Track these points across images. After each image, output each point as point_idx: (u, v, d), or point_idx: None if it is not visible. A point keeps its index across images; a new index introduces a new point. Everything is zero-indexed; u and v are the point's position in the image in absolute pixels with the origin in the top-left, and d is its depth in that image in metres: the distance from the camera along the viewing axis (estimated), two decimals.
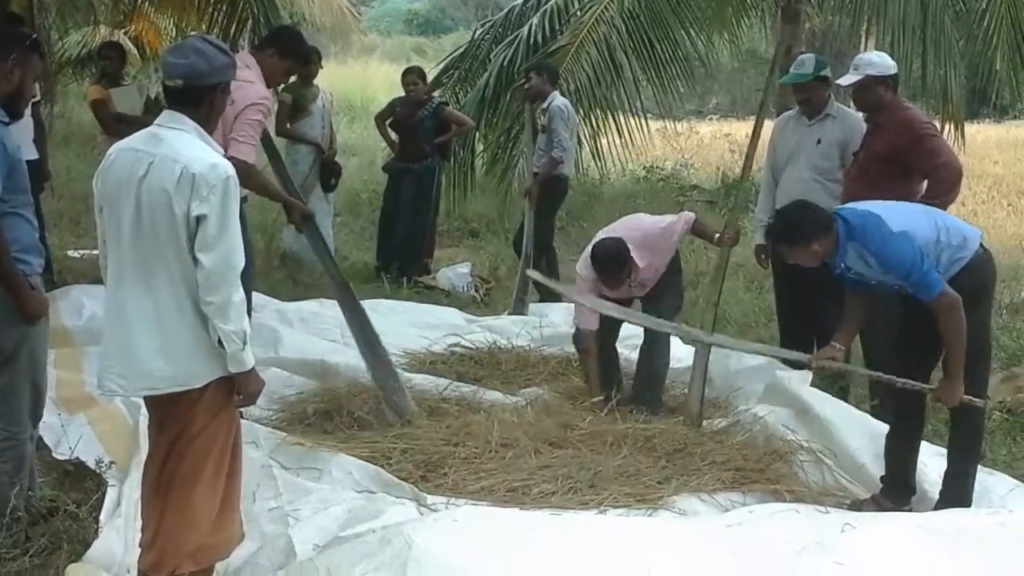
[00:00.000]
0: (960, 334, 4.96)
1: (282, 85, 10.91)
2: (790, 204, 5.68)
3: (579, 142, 12.55)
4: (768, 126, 7.43)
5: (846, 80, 6.64)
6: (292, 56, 6.42)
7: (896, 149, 6.39)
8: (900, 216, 5.08)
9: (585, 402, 6.57)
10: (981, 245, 5.23)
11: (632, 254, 6.47)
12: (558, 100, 9.93)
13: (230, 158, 5.60)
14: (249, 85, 5.93)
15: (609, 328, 6.83)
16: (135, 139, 4.05)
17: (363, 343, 6.51)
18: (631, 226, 6.76)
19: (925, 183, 6.43)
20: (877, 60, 6.60)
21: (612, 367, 6.95)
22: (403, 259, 10.51)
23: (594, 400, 6.59)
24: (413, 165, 10.73)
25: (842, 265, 5.16)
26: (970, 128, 15.11)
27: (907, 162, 6.38)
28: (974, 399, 5.12)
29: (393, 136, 11.05)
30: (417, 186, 10.72)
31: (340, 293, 6.71)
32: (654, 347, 6.80)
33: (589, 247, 6.67)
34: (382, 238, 10.94)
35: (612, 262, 6.48)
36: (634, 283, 6.66)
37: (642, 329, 6.90)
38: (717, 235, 6.77)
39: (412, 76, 10.79)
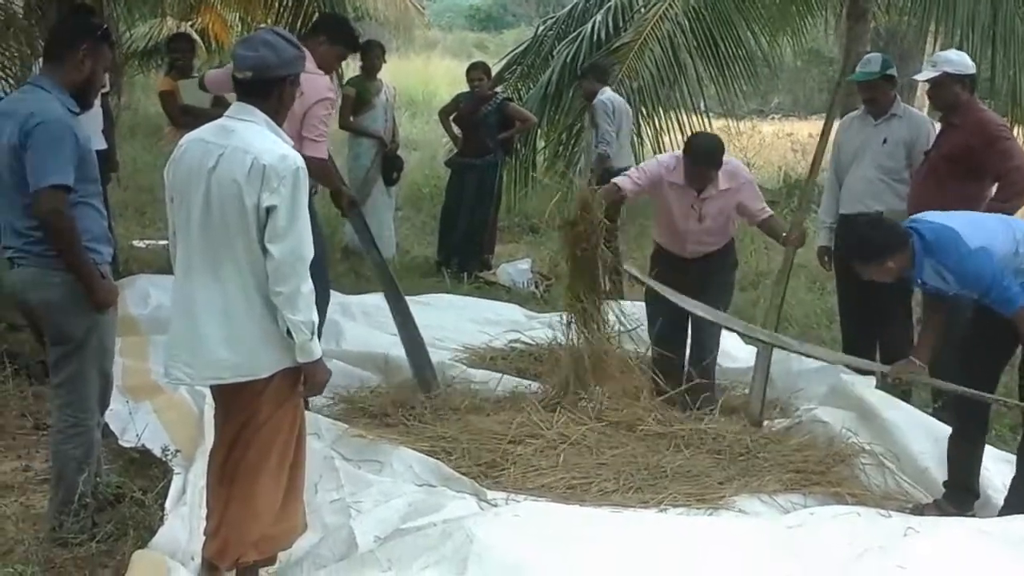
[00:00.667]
0: None
1: (346, 78, 11.04)
2: (864, 219, 5.63)
3: (639, 138, 12.56)
4: (821, 126, 7.37)
5: (923, 76, 6.59)
6: (342, 41, 6.42)
7: (969, 150, 6.33)
8: (977, 230, 4.99)
9: (643, 401, 6.50)
10: None
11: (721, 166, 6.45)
12: (603, 95, 10.04)
13: (307, 158, 5.68)
14: (316, 78, 5.96)
15: (676, 321, 6.74)
16: (206, 130, 4.09)
17: (397, 315, 6.69)
18: (730, 158, 6.73)
19: (995, 186, 6.35)
20: (956, 59, 6.54)
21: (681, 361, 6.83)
22: (464, 254, 10.54)
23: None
24: (476, 160, 10.76)
25: (919, 281, 5.10)
26: None
27: (979, 163, 6.32)
28: None
29: (456, 131, 11.07)
30: (479, 181, 10.75)
31: (380, 278, 6.91)
32: (704, 341, 6.72)
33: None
34: (443, 233, 10.98)
35: (709, 149, 6.43)
36: (698, 205, 6.51)
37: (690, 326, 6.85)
38: (784, 235, 6.71)
39: (477, 72, 10.82)
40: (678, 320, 6.64)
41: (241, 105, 4.06)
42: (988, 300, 4.93)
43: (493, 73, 13.40)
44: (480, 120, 10.71)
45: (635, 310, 7.12)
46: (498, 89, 11.14)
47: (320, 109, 6.01)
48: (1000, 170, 6.32)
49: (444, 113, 11.30)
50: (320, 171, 6.06)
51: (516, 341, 7.83)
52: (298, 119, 5.90)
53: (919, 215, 5.29)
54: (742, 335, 6.71)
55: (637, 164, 11.69)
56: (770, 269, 10.36)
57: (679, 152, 6.62)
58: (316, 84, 5.95)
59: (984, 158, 6.33)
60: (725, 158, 6.59)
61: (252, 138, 3.95)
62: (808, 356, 6.65)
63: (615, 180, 6.69)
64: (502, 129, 10.85)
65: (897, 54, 14.84)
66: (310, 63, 6.08)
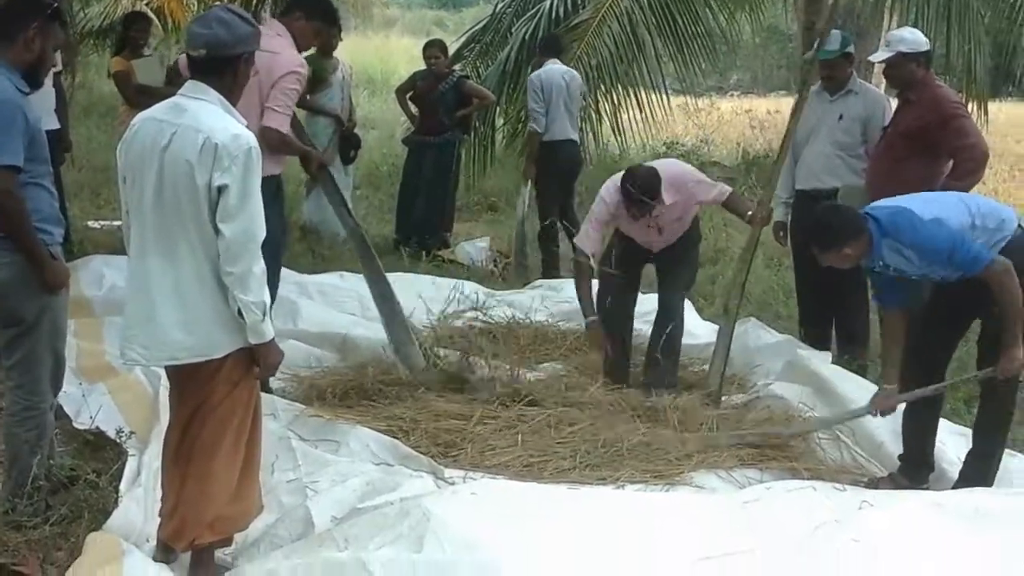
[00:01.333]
0: (1017, 298, 4.86)
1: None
2: (821, 208, 5.64)
3: (597, 114, 12.58)
4: (786, 102, 7.37)
5: (877, 56, 6.61)
6: (319, 17, 6.34)
7: (924, 127, 6.37)
8: (930, 205, 5.03)
9: (598, 379, 6.54)
10: (1020, 225, 5.14)
11: (662, 188, 6.38)
12: (539, 70, 10.16)
13: (264, 127, 5.58)
14: (281, 54, 5.90)
15: (624, 301, 6.81)
16: (158, 109, 4.05)
17: (378, 296, 6.59)
18: (667, 165, 6.73)
19: (950, 163, 6.38)
20: (909, 37, 6.57)
21: (627, 340, 6.91)
22: (422, 232, 10.52)
23: (589, 320, 6.63)
24: (433, 139, 10.73)
25: (881, 263, 5.10)
26: (993, 106, 14.99)
27: (934, 141, 6.36)
28: None
29: (414, 110, 11.03)
30: (437, 160, 10.72)
31: (356, 245, 6.80)
32: (670, 317, 6.73)
33: (618, 176, 6.59)
34: (401, 212, 10.95)
35: (644, 185, 6.33)
36: (653, 223, 6.54)
37: (656, 301, 6.89)
38: (750, 213, 6.71)
39: (434, 49, 10.77)
40: (627, 297, 6.74)
41: (195, 83, 4.02)
42: (954, 265, 4.91)
43: (452, 51, 13.36)
44: (437, 98, 10.67)
45: None
46: (455, 67, 11.09)
47: (288, 82, 5.94)
48: (954, 148, 6.34)
49: (401, 92, 11.25)
50: (278, 141, 6.01)
51: (474, 319, 7.82)
52: (266, 93, 5.85)
53: (874, 203, 5.30)
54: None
55: (596, 143, 11.83)
56: (728, 246, 10.43)
57: (616, 179, 6.55)
58: (281, 59, 5.89)
59: (938, 135, 6.36)
60: (666, 171, 6.55)
61: (205, 117, 3.91)
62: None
63: (579, 247, 6.75)
64: (460, 107, 10.80)
65: (854, 30, 14.89)
66: (284, 40, 6.02)
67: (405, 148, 11.35)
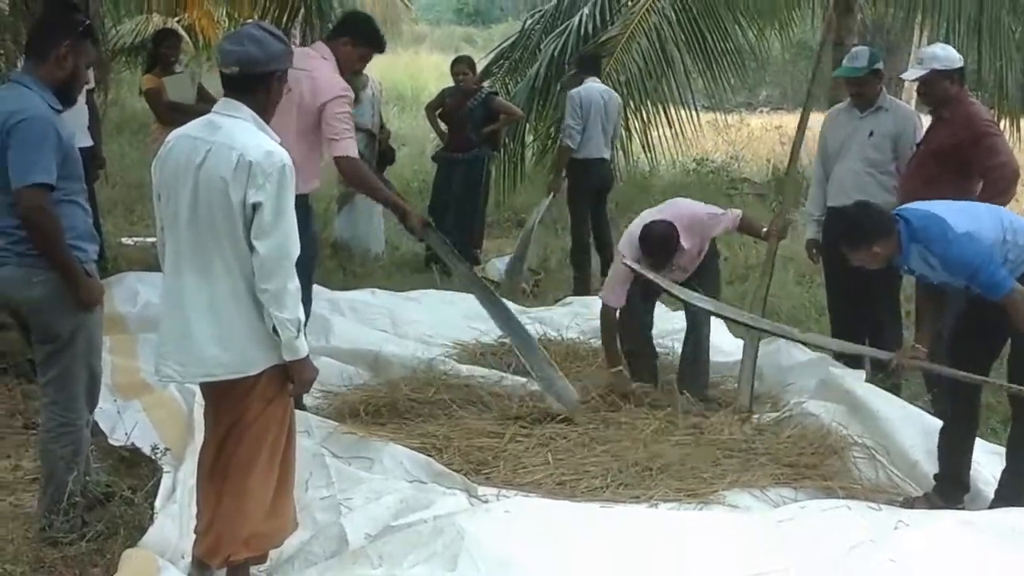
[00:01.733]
0: None
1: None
2: (851, 205, 5.61)
3: (627, 131, 12.59)
4: (817, 119, 7.37)
5: (910, 75, 6.55)
6: (367, 43, 6.24)
7: (956, 145, 6.30)
8: (963, 217, 4.99)
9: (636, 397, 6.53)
10: None
11: (680, 236, 6.43)
12: (578, 88, 10.17)
13: (339, 158, 5.59)
14: (327, 76, 5.87)
15: (643, 315, 6.85)
16: (193, 127, 4.08)
17: (515, 337, 6.54)
18: (679, 210, 6.72)
19: (981, 182, 6.33)
20: (942, 54, 6.45)
21: (650, 355, 6.94)
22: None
23: (614, 370, 6.60)
24: (462, 155, 10.75)
25: (905, 268, 5.10)
26: None
27: (966, 159, 6.29)
28: None
29: (443, 126, 11.05)
30: (466, 176, 10.73)
31: (475, 291, 6.77)
32: (698, 333, 6.78)
33: (635, 227, 6.59)
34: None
35: (661, 246, 6.40)
36: (675, 267, 6.60)
37: (684, 319, 6.88)
38: (764, 229, 6.73)
39: (462, 66, 10.79)
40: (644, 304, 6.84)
41: (228, 101, 4.04)
42: (975, 285, 4.91)
43: (480, 67, 13.38)
44: (466, 115, 10.69)
45: None
46: (484, 83, 11.11)
47: (337, 106, 5.84)
48: (985, 167, 6.27)
49: (430, 108, 11.28)
50: (354, 172, 6.01)
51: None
52: (315, 118, 5.81)
53: (907, 205, 5.30)
54: (740, 324, 6.63)
55: (626, 160, 11.83)
56: (757, 262, 10.36)
57: (634, 234, 6.55)
58: (329, 82, 5.86)
59: (971, 154, 6.29)
60: (680, 214, 6.60)
61: (238, 134, 3.94)
62: (804, 343, 6.65)
63: (605, 303, 6.73)
64: (488, 123, 10.81)
65: (884, 46, 14.87)
66: (329, 63, 5.99)
67: (435, 165, 11.36)
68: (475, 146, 10.74)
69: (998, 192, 6.17)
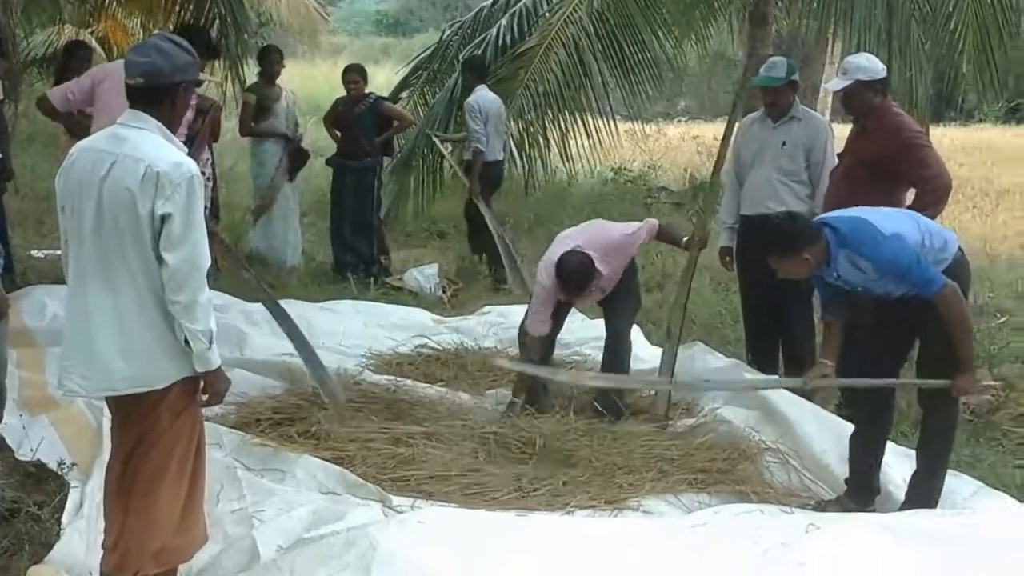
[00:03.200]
0: (968, 321, 4.97)
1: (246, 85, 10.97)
2: (776, 214, 5.67)
3: (545, 140, 12.71)
4: (722, 128, 7.42)
5: (834, 85, 6.57)
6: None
7: (884, 155, 6.29)
8: (887, 219, 5.07)
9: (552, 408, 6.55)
10: (959, 248, 5.23)
11: (596, 265, 6.46)
12: (475, 95, 10.68)
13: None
14: None
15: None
16: (97, 138, 4.03)
17: (295, 340, 6.48)
18: (594, 235, 6.71)
19: (911, 192, 6.37)
20: (867, 64, 6.46)
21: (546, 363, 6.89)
22: (356, 257, 10.52)
23: (512, 399, 6.56)
24: (353, 163, 10.71)
25: (834, 275, 5.14)
26: (936, 131, 15.24)
27: (895, 170, 6.28)
28: (989, 382, 5.08)
29: (337, 134, 11.01)
30: (357, 184, 10.69)
31: (263, 300, 6.80)
32: (618, 346, 6.77)
33: (551, 254, 6.59)
34: (333, 236, 10.90)
35: (579, 279, 6.44)
36: (594, 289, 6.64)
37: (603, 328, 6.93)
38: (685, 239, 6.78)
39: (352, 74, 10.75)
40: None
41: (133, 112, 3.99)
42: (907, 283, 4.96)
43: (399, 78, 13.37)
44: (355, 121, 10.65)
45: None
46: (369, 90, 11.07)
47: None
48: (916, 178, 6.28)
49: (326, 119, 11.21)
50: None
51: (423, 346, 7.81)
52: None
53: (828, 213, 5.36)
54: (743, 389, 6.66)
55: (505, 155, 12.05)
56: (675, 270, 10.44)
57: (551, 260, 6.54)
58: None
59: (899, 165, 6.28)
60: (591, 236, 6.68)
61: (145, 145, 3.88)
62: (720, 389, 6.69)
63: (529, 332, 6.71)
64: (380, 130, 10.80)
65: (799, 57, 15.04)
66: None
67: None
68: (368, 154, 10.71)
69: (932, 203, 6.15)
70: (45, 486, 5.21)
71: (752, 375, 6.71)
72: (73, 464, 5.17)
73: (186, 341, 3.91)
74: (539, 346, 6.69)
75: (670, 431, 6.27)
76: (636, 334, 7.55)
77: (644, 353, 7.63)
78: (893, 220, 5.10)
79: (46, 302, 7.65)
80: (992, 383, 5.10)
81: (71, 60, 9.65)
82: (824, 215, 5.38)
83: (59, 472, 5.16)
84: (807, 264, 5.09)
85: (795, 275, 5.23)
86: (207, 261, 3.95)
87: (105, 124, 4.20)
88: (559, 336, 7.04)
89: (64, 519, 4.72)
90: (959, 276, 5.11)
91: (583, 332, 7.99)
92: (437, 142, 11.94)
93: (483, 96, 10.67)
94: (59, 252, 8.39)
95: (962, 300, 4.97)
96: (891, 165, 6.29)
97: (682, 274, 7.01)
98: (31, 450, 5.42)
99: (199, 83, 4.24)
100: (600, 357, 6.92)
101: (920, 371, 5.33)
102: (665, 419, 6.39)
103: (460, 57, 13.43)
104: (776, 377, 6.51)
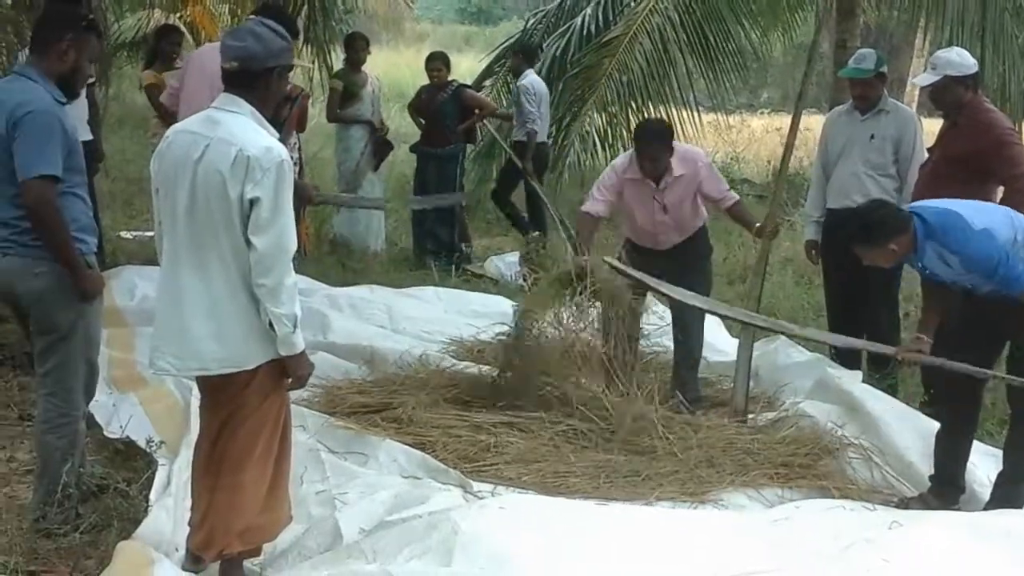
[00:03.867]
0: None
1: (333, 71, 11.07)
2: (865, 203, 5.58)
3: (626, 132, 12.65)
4: (817, 120, 7.34)
5: (923, 80, 6.41)
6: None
7: (974, 152, 6.14)
8: (979, 213, 4.98)
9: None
10: None
11: (674, 157, 6.51)
12: (525, 79, 10.96)
13: None
14: None
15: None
16: (192, 121, 4.08)
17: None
18: (686, 145, 6.85)
19: (1000, 190, 6.25)
20: (956, 59, 6.31)
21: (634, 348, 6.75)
22: (437, 244, 10.57)
23: (584, 259, 6.49)
24: (437, 150, 10.77)
25: (919, 265, 5.08)
26: None
27: (985, 167, 6.14)
28: None
29: (422, 122, 11.09)
30: (440, 171, 10.74)
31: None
32: (689, 331, 6.73)
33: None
34: (415, 223, 10.98)
35: (656, 131, 6.62)
36: (659, 197, 6.54)
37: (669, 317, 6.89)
38: (758, 225, 6.69)
39: (436, 63, 10.82)
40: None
41: (228, 96, 4.04)
42: (995, 281, 4.88)
43: (483, 67, 13.38)
44: (437, 108, 10.71)
45: None
46: (452, 78, 11.12)
47: None
48: (1006, 176, 6.14)
49: (410, 106, 11.29)
50: None
51: (503, 334, 7.81)
52: None
53: (920, 202, 5.28)
54: (725, 317, 6.62)
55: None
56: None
57: (630, 151, 6.62)
58: None
59: (990, 162, 6.15)
60: (680, 145, 6.71)
61: (237, 129, 3.93)
62: (802, 338, 6.66)
63: (584, 209, 6.77)
64: (465, 117, 10.86)
65: (887, 49, 14.85)
66: None
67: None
68: (450, 141, 10.75)
69: (1022, 202, 5.92)
70: (133, 463, 5.33)
71: (835, 370, 6.64)
72: (161, 442, 5.26)
73: (271, 324, 3.95)
74: (588, 224, 6.69)
75: (751, 424, 6.22)
76: (718, 324, 7.52)
77: (726, 345, 7.58)
78: (985, 214, 5.01)
79: (136, 282, 7.79)
80: None
81: (161, 44, 9.80)
82: (914, 204, 5.31)
83: (147, 450, 5.27)
84: (893, 254, 5.04)
85: (881, 264, 5.17)
86: (294, 245, 3.99)
87: (187, 113, 4.24)
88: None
89: (152, 496, 4.80)
90: None
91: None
92: (489, 128, 12.04)
93: (535, 80, 11.03)
94: (148, 234, 8.58)
95: None
96: (981, 162, 6.15)
97: (755, 265, 6.94)
98: (120, 427, 5.54)
99: (291, 68, 4.27)
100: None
101: (1011, 372, 5.24)
102: (744, 413, 6.35)
103: (544, 46, 13.42)
104: (867, 342, 6.38)
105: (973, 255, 4.89)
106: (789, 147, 6.96)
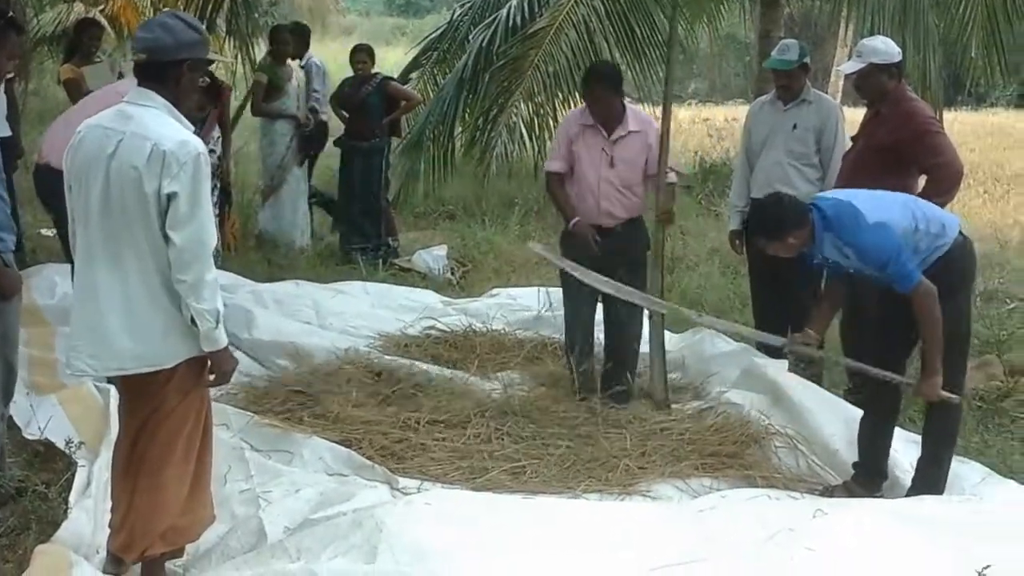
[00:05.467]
0: (936, 326, 4.95)
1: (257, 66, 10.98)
2: (766, 196, 5.64)
3: (553, 122, 12.65)
4: (735, 111, 7.34)
5: (848, 68, 6.45)
6: None
7: (896, 141, 6.21)
8: (876, 206, 5.05)
9: (558, 388, 6.53)
10: (960, 233, 5.20)
11: (628, 111, 6.59)
12: (313, 58, 11.10)
13: None
14: None
15: (584, 311, 6.76)
16: (104, 116, 4.01)
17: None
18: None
19: (922, 179, 6.31)
20: (882, 47, 6.36)
21: (591, 347, 6.81)
22: (363, 239, 10.51)
23: (573, 221, 6.53)
24: (362, 144, 10.71)
25: (820, 256, 5.14)
26: (947, 115, 15.10)
27: (906, 156, 6.21)
28: (951, 395, 5.09)
29: (345, 115, 11.00)
30: (364, 165, 10.68)
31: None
32: (627, 324, 6.72)
33: None
34: (341, 216, 10.91)
35: (605, 73, 6.71)
36: (608, 148, 6.54)
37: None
38: (662, 210, 6.72)
39: (361, 55, 10.78)
40: (588, 301, 6.68)
41: (140, 90, 3.98)
42: (886, 275, 4.98)
43: (409, 58, 13.30)
44: (362, 101, 10.65)
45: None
46: (376, 70, 11.05)
47: None
48: (927, 165, 6.21)
49: (334, 99, 11.18)
50: None
51: (432, 328, 7.80)
52: None
53: (821, 194, 5.35)
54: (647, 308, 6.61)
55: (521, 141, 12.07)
56: (685, 254, 10.46)
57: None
58: None
59: (911, 152, 6.20)
60: (637, 108, 6.78)
61: (151, 123, 3.88)
62: (712, 328, 6.79)
63: (547, 169, 6.82)
64: (390, 110, 10.80)
65: (811, 39, 14.97)
66: None
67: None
68: (375, 135, 10.69)
69: (942, 191, 6.09)
70: (52, 465, 5.23)
71: (761, 360, 6.68)
72: (80, 443, 5.17)
73: (192, 320, 3.90)
74: (555, 182, 6.72)
75: (678, 414, 6.25)
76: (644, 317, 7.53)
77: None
78: (882, 206, 5.08)
79: (56, 280, 7.67)
80: (951, 397, 5.07)
81: (81, 38, 9.64)
82: (816, 196, 5.41)
83: (66, 451, 5.16)
84: (792, 246, 5.12)
85: (783, 255, 5.24)
86: (213, 240, 3.94)
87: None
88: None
89: (71, 498, 4.71)
90: (959, 260, 5.15)
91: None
92: None
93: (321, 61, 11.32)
94: None
95: (935, 303, 4.94)
96: (903, 151, 6.22)
97: (653, 249, 6.88)
98: (39, 428, 5.44)
99: (209, 62, 4.21)
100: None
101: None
102: (666, 402, 6.38)
103: (470, 38, 13.35)
104: (759, 332, 6.42)
105: (865, 247, 4.98)
106: (665, 139, 6.85)
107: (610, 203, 6.58)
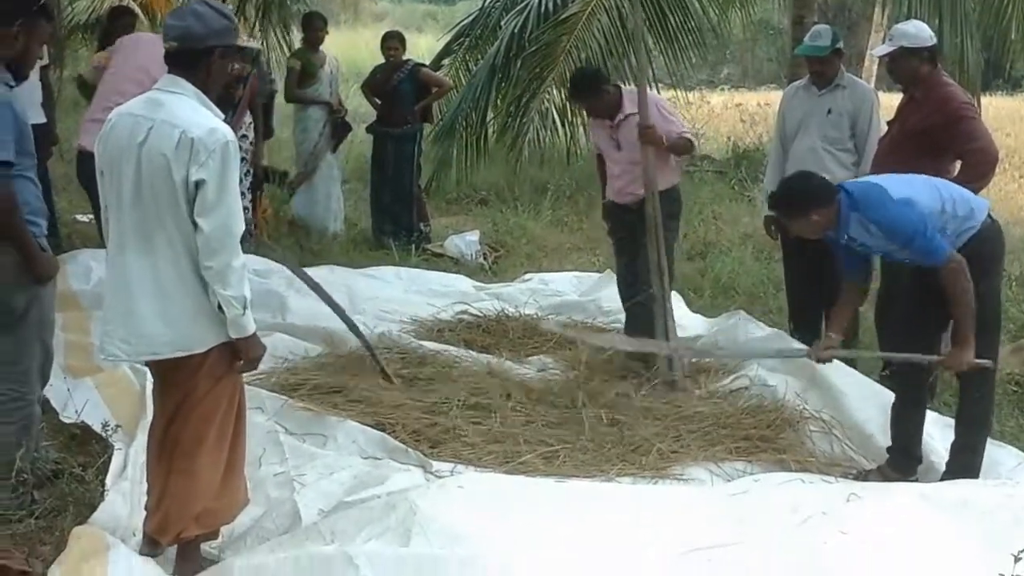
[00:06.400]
0: (967, 298, 4.90)
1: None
2: (792, 175, 5.63)
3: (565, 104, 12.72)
4: (769, 96, 7.30)
5: (879, 51, 6.43)
6: None
7: (930, 126, 6.16)
8: (902, 185, 5.05)
9: (591, 372, 6.53)
10: (989, 216, 5.17)
11: (624, 95, 6.83)
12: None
13: None
14: None
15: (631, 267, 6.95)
16: (135, 104, 4.03)
17: (336, 310, 6.37)
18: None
19: (958, 164, 6.25)
20: (912, 31, 6.32)
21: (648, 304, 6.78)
22: (396, 224, 10.53)
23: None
24: (393, 130, 10.71)
25: (846, 236, 5.11)
26: (983, 100, 14.99)
27: (941, 141, 6.14)
28: (983, 361, 5.05)
29: (377, 102, 11.01)
30: (397, 151, 10.68)
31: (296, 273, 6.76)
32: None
33: None
34: (373, 203, 10.93)
35: (576, 85, 7.08)
36: (615, 133, 6.83)
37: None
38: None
39: (392, 41, 10.74)
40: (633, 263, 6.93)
41: (170, 77, 3.99)
42: (912, 251, 4.96)
43: (441, 45, 13.29)
44: (394, 89, 10.63)
45: None
46: (408, 56, 11.04)
47: None
48: (962, 151, 6.15)
49: (365, 86, 11.19)
50: None
51: (464, 312, 7.81)
52: None
53: (853, 179, 5.34)
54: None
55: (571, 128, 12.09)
56: (718, 239, 10.42)
57: None
58: None
59: (946, 136, 6.15)
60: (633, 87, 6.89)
61: (180, 111, 3.89)
62: (729, 358, 6.85)
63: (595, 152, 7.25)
64: (421, 97, 10.77)
65: (845, 24, 14.90)
66: None
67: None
68: (407, 121, 10.69)
69: (977, 176, 6.03)
70: (89, 448, 5.28)
71: (795, 345, 6.65)
72: (117, 426, 5.22)
73: (220, 307, 3.93)
74: (599, 163, 7.16)
75: (710, 396, 6.25)
76: (677, 300, 7.52)
77: (685, 320, 7.59)
78: (909, 186, 5.07)
79: (91, 266, 7.70)
80: (982, 362, 5.03)
81: (114, 26, 9.66)
82: (845, 181, 5.40)
83: (103, 434, 5.22)
84: (816, 225, 5.10)
85: (807, 235, 5.24)
86: (241, 227, 3.95)
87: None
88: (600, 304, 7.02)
89: (108, 480, 4.76)
90: (988, 243, 5.12)
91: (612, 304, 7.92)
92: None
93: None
94: None
95: (966, 276, 4.90)
96: (937, 136, 6.16)
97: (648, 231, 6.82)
98: (76, 412, 5.48)
99: (241, 49, 4.22)
100: None
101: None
102: (680, 382, 6.45)
103: (502, 24, 13.36)
104: (779, 347, 6.42)
105: (890, 223, 4.96)
106: (643, 104, 6.81)
107: (624, 183, 6.91)
